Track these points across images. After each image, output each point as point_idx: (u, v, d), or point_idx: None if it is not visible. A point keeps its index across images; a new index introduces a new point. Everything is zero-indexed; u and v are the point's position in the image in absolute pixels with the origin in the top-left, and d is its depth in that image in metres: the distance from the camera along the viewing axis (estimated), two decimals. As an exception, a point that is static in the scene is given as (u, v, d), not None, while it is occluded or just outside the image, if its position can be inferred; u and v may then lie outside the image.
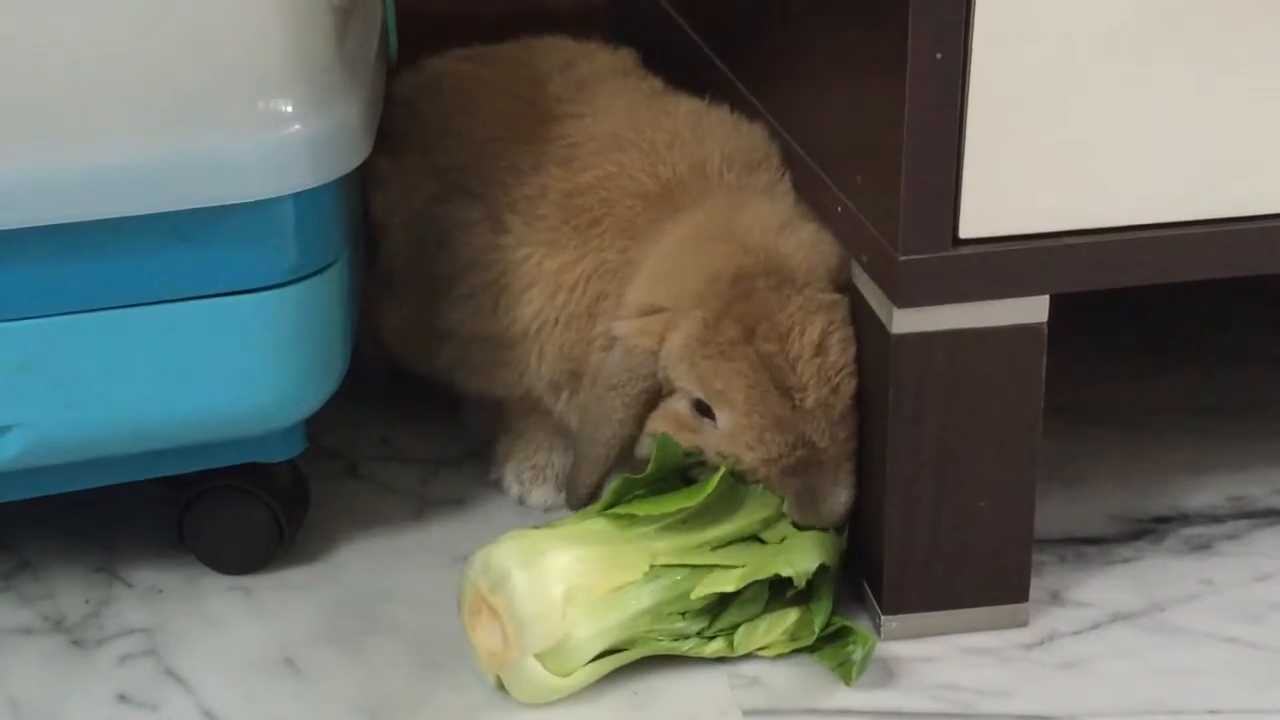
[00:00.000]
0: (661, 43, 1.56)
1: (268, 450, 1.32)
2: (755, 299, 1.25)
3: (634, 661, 1.23)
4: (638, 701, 1.22)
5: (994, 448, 1.23)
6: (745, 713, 1.21)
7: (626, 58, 1.52)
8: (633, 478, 1.26)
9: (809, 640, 1.25)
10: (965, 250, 1.18)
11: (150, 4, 1.14)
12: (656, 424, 1.29)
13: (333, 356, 1.28)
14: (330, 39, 1.21)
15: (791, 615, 1.24)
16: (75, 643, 1.29)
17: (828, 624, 1.25)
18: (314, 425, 1.33)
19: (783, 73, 1.40)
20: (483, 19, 1.59)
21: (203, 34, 1.14)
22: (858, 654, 1.22)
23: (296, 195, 1.19)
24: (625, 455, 1.30)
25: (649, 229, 1.33)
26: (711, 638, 1.23)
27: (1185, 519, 1.42)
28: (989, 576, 1.27)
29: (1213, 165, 1.19)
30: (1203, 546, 1.38)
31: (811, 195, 1.32)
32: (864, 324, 1.25)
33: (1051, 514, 1.39)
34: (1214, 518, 1.42)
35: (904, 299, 1.18)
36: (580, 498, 1.32)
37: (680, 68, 1.53)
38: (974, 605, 1.28)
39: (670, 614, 1.22)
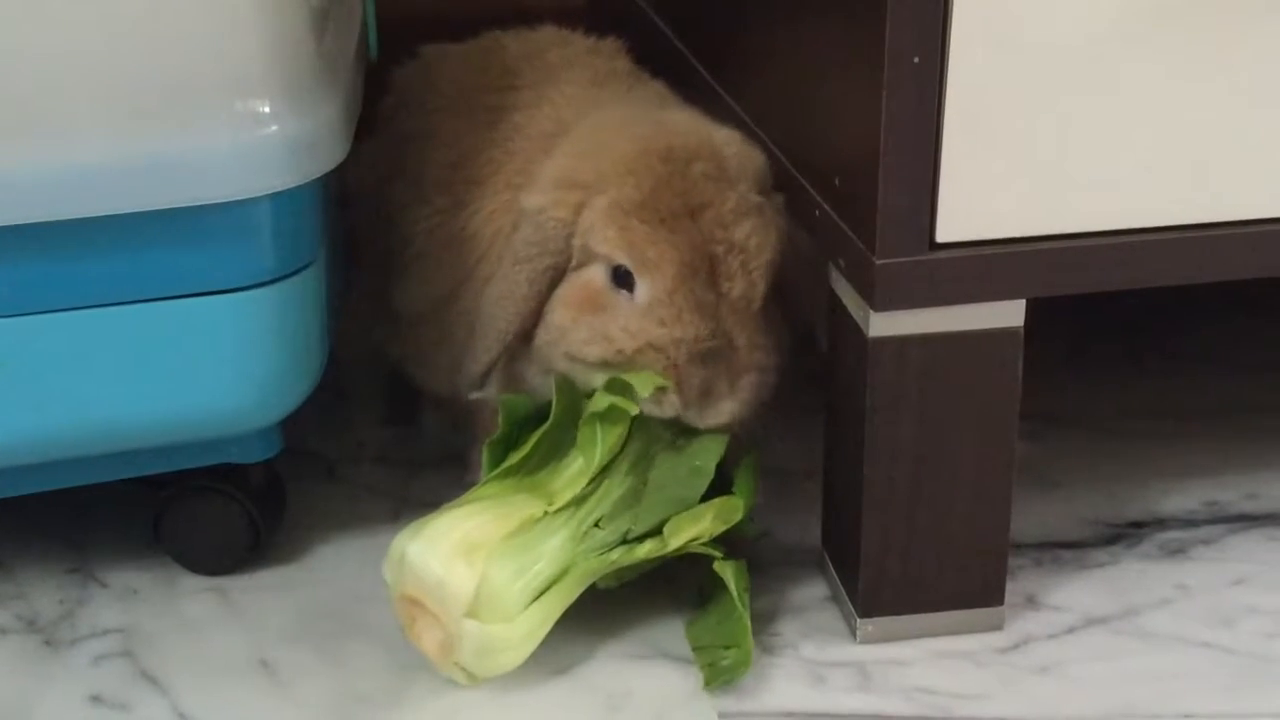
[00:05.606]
0: (640, 43, 1.56)
1: (244, 451, 1.31)
2: (693, 181, 1.22)
3: (607, 663, 1.23)
4: (611, 704, 1.22)
5: (970, 452, 1.24)
6: (721, 715, 1.21)
7: (608, 45, 1.51)
8: (492, 440, 1.26)
9: (740, 517, 1.25)
10: (942, 254, 1.18)
11: (126, 3, 1.13)
12: (557, 305, 1.25)
13: (309, 358, 1.28)
14: (308, 38, 1.21)
15: (713, 506, 1.24)
16: (48, 643, 1.29)
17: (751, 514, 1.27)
18: (291, 426, 1.32)
19: (760, 75, 1.40)
20: (462, 17, 1.59)
21: (179, 33, 1.14)
22: (728, 661, 1.23)
23: (273, 196, 1.19)
24: (523, 338, 1.26)
25: (547, 159, 1.30)
26: (640, 539, 1.22)
27: (1160, 524, 1.42)
28: (964, 580, 1.27)
29: (1188, 170, 1.20)
30: (1177, 551, 1.39)
31: (788, 198, 1.31)
32: (840, 327, 1.25)
33: (1027, 518, 1.39)
34: (1189, 523, 1.42)
35: (880, 302, 1.18)
36: (476, 376, 1.28)
37: (659, 69, 1.53)
38: (949, 609, 1.28)
39: (586, 532, 1.21)
